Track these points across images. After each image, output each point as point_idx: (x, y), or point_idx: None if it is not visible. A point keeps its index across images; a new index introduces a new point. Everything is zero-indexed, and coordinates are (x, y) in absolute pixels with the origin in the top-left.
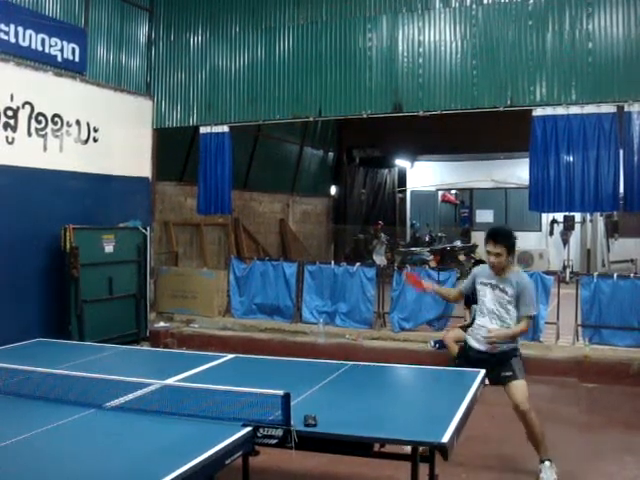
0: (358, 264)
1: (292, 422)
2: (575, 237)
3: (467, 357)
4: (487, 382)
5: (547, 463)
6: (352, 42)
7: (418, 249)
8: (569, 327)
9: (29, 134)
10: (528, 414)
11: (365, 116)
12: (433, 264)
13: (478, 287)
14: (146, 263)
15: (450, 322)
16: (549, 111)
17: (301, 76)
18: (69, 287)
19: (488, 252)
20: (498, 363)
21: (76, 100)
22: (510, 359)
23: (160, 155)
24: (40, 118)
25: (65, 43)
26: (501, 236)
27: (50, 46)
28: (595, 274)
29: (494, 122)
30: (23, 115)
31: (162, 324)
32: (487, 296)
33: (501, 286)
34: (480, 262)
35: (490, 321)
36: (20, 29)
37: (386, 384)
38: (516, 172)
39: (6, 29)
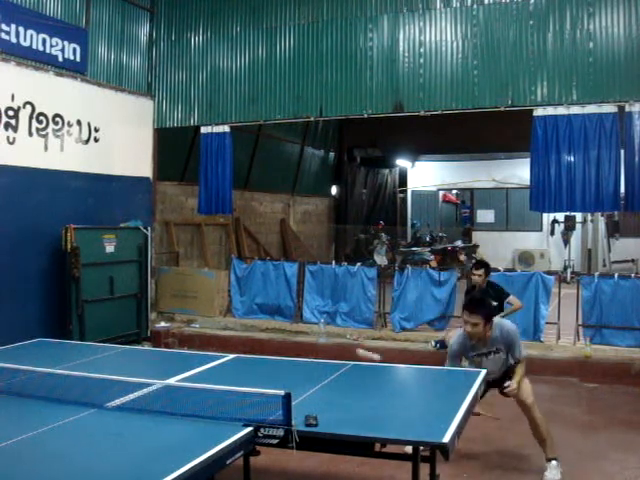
0: (359, 264)
1: (293, 422)
2: (576, 237)
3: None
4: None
5: (554, 463)
6: (353, 42)
7: (419, 249)
8: (570, 327)
9: (30, 134)
10: (533, 408)
11: (366, 116)
12: (434, 264)
13: (472, 359)
14: (147, 263)
15: (451, 322)
16: (550, 111)
17: (302, 76)
18: (70, 287)
19: (465, 321)
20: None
21: (77, 100)
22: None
23: (161, 155)
24: (41, 118)
25: (66, 43)
26: (477, 306)
27: (51, 46)
28: (596, 274)
29: (495, 122)
30: (24, 115)
31: (163, 324)
32: (485, 363)
33: (493, 349)
34: (481, 262)
35: (493, 375)
36: (21, 29)
37: (387, 384)
38: (517, 172)
39: (7, 29)
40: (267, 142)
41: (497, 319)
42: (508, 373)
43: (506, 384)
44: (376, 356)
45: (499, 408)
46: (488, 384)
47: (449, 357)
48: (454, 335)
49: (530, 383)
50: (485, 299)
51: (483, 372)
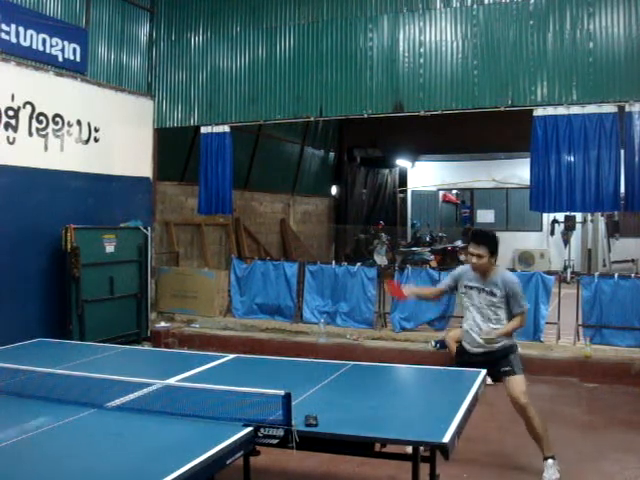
0: (359, 264)
1: (293, 422)
2: (576, 237)
3: (464, 360)
4: (490, 382)
5: (550, 461)
6: (353, 42)
7: (419, 249)
8: (570, 327)
9: (30, 134)
10: (526, 408)
11: (366, 116)
12: (434, 264)
13: (463, 290)
14: (147, 263)
15: (451, 322)
16: (550, 111)
17: (302, 76)
18: (70, 287)
19: (470, 253)
20: (496, 361)
21: (77, 100)
22: (508, 355)
23: (161, 155)
24: (41, 118)
25: (66, 43)
26: (482, 237)
27: (51, 46)
28: (596, 274)
29: (495, 122)
30: (24, 115)
31: (163, 324)
32: (474, 299)
33: (488, 289)
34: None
35: (481, 323)
36: (21, 29)
37: (387, 384)
38: (517, 172)
39: (7, 29)
40: (267, 142)
41: (503, 269)
42: (501, 356)
43: (485, 331)
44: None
45: (499, 408)
46: (490, 371)
47: (447, 278)
48: (454, 335)
49: (526, 381)
50: (490, 232)
51: (483, 372)
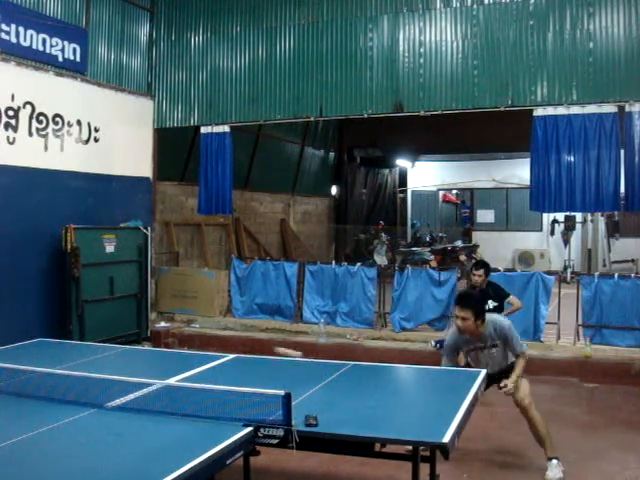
0: (359, 264)
1: (293, 422)
2: (576, 237)
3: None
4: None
5: (554, 462)
6: (353, 42)
7: (419, 249)
8: (570, 327)
9: (30, 134)
10: (530, 408)
11: (366, 116)
12: (434, 264)
13: (470, 353)
14: (147, 263)
15: (451, 322)
16: (550, 111)
17: (302, 76)
18: (70, 287)
19: (455, 316)
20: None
21: (77, 100)
22: (513, 363)
23: (161, 155)
24: (41, 118)
25: (66, 43)
26: (467, 300)
27: (51, 46)
28: (596, 274)
29: (495, 122)
30: (24, 115)
31: (163, 324)
32: (481, 359)
33: (489, 344)
34: (481, 262)
35: (493, 369)
36: (21, 29)
37: (387, 384)
38: (517, 172)
39: (7, 29)
40: (267, 142)
41: (490, 315)
42: (509, 369)
43: (502, 384)
44: (296, 353)
45: (499, 408)
46: (489, 379)
47: (445, 353)
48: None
49: (529, 383)
50: (474, 294)
51: (483, 372)
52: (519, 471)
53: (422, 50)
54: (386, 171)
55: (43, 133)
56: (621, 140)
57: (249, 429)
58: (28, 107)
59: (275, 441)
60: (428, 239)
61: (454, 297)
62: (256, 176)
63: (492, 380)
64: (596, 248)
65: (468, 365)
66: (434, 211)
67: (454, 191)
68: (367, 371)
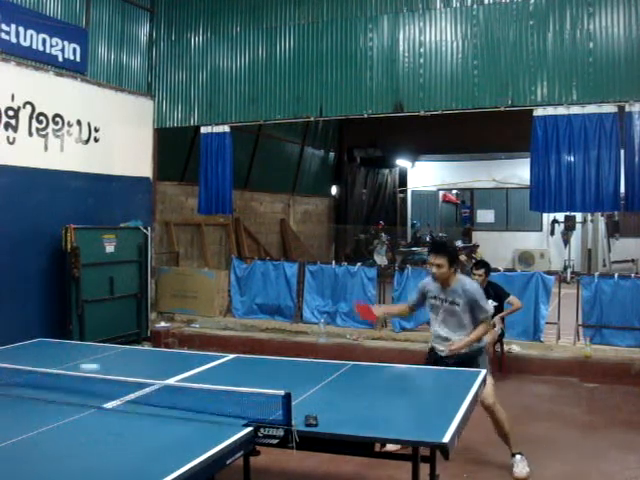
0: (359, 264)
1: (293, 422)
2: (576, 237)
3: (435, 361)
4: None
5: (518, 457)
6: (353, 42)
7: (419, 249)
8: (570, 327)
9: (30, 134)
10: (493, 408)
11: (366, 116)
12: None
13: (430, 302)
14: (147, 263)
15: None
16: (550, 111)
17: (302, 76)
18: (70, 287)
19: (430, 263)
20: (465, 364)
21: (77, 100)
22: (476, 357)
23: (161, 155)
24: (41, 118)
25: (66, 43)
26: (441, 247)
27: (51, 46)
28: (596, 274)
29: (495, 122)
30: (24, 115)
31: (163, 324)
32: (440, 310)
33: (450, 299)
34: (481, 262)
35: (446, 332)
36: (21, 29)
37: (387, 384)
38: (517, 172)
39: (7, 29)
40: (267, 142)
41: (464, 276)
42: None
43: (450, 342)
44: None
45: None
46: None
47: (414, 292)
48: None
49: (492, 381)
50: (448, 243)
51: (483, 372)
52: None
53: (422, 50)
54: (386, 171)
55: (43, 133)
56: (621, 140)
57: (249, 429)
58: (28, 107)
59: (275, 441)
60: (428, 239)
61: None
62: (256, 176)
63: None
64: (596, 248)
65: (432, 350)
66: (434, 211)
67: (454, 191)
68: (367, 371)
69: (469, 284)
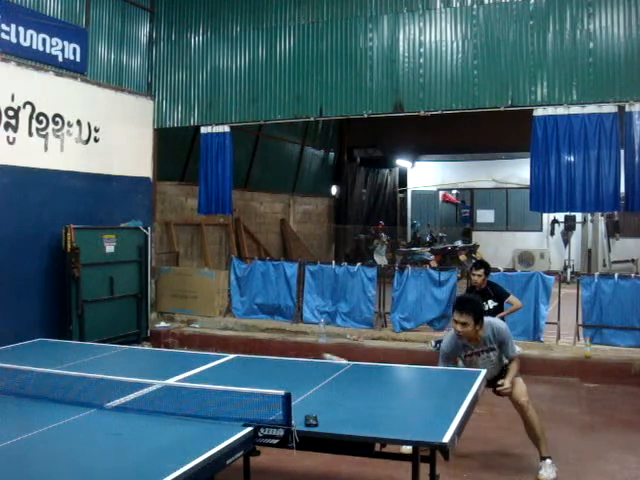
0: (359, 264)
1: (293, 422)
2: (576, 237)
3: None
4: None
5: (548, 461)
6: (353, 42)
7: (419, 249)
8: (570, 327)
9: (30, 134)
10: (527, 407)
11: (366, 116)
12: (434, 264)
13: (465, 359)
14: (147, 263)
15: (451, 322)
16: (550, 111)
17: (302, 76)
18: (70, 287)
19: (454, 321)
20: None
21: (77, 100)
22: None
23: (161, 155)
24: (41, 118)
25: (66, 43)
26: (467, 305)
27: (51, 46)
28: (596, 274)
29: (495, 122)
30: (24, 115)
31: (163, 324)
32: (478, 362)
33: (485, 348)
34: (481, 262)
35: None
36: (21, 29)
37: (387, 384)
38: (517, 172)
39: (7, 29)
40: (267, 142)
41: (487, 318)
42: (503, 372)
43: (499, 382)
44: (342, 360)
45: (498, 409)
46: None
47: (441, 359)
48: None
49: (525, 383)
50: (473, 299)
51: (483, 372)
52: (518, 471)
53: (422, 50)
54: (386, 171)
55: (43, 133)
56: (621, 140)
57: (249, 429)
58: (28, 107)
59: (275, 441)
60: (428, 239)
61: (454, 298)
62: (256, 176)
63: (488, 384)
64: (596, 248)
65: None
66: (434, 211)
67: (454, 191)
68: (367, 371)
69: (496, 325)
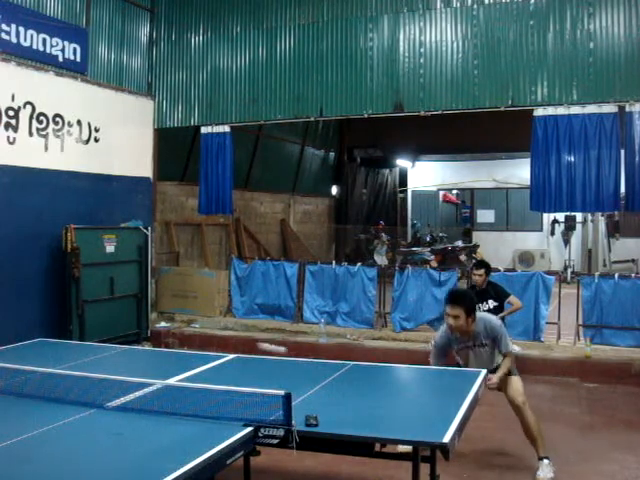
0: (359, 264)
1: (293, 422)
2: (576, 237)
3: None
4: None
5: (545, 461)
6: (353, 42)
7: (419, 249)
8: (570, 327)
9: (30, 134)
10: (523, 407)
11: (366, 116)
12: (434, 264)
13: (459, 353)
14: (147, 263)
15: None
16: (550, 111)
17: (302, 76)
18: (70, 287)
19: (447, 314)
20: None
21: (77, 100)
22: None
23: (161, 155)
24: (41, 118)
25: (66, 43)
26: (458, 298)
27: (51, 46)
28: (596, 274)
29: (495, 122)
30: (24, 115)
31: (163, 324)
32: (470, 356)
33: (477, 342)
34: (481, 262)
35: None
36: (21, 29)
37: (387, 384)
38: (517, 172)
39: (7, 29)
40: (267, 142)
41: (480, 314)
42: (497, 369)
43: (488, 377)
44: (280, 348)
45: (500, 408)
46: None
47: (433, 353)
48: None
49: (525, 383)
50: (466, 292)
51: (483, 372)
52: (520, 472)
53: (422, 50)
54: (386, 171)
55: (43, 133)
56: (621, 140)
57: (249, 429)
58: (28, 107)
59: (275, 441)
60: (428, 239)
61: None
62: (256, 176)
63: None
64: (596, 248)
65: (458, 365)
66: (434, 211)
67: (454, 191)
68: (367, 371)
69: (489, 320)
